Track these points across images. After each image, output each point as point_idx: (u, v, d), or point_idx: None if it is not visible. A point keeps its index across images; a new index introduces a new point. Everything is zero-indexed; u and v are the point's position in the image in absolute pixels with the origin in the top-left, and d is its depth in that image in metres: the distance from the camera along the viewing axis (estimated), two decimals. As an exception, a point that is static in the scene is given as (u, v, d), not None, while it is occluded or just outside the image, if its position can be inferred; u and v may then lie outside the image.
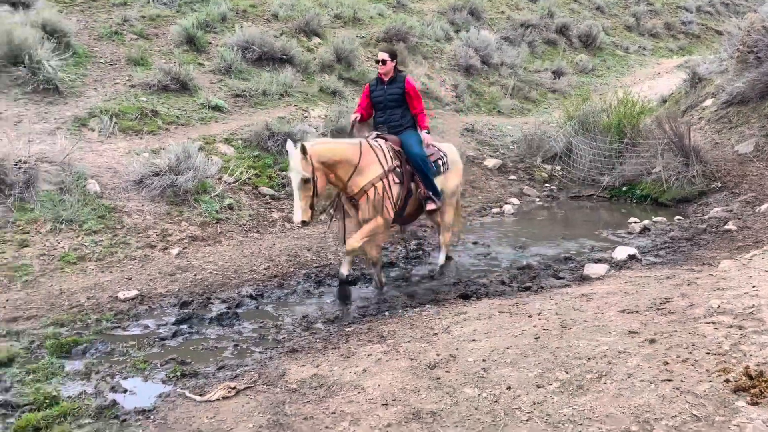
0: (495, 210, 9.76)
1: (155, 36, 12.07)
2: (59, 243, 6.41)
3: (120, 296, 5.63)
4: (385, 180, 5.65)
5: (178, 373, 4.13)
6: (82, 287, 5.79)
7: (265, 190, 8.58)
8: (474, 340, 4.30)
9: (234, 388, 3.72)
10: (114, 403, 3.69)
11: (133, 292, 5.72)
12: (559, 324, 4.35)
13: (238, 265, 6.69)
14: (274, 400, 3.59)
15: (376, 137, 6.03)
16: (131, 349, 4.60)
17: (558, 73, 17.55)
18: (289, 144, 5.30)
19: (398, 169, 5.87)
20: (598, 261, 6.64)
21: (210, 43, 12.40)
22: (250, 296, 5.85)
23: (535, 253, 7.36)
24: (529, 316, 4.66)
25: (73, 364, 4.33)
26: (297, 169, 5.14)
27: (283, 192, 8.63)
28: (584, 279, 6.05)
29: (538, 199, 10.64)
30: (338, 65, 13.25)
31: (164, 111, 9.69)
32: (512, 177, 11.30)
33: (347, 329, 4.93)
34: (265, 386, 3.80)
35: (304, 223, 5.29)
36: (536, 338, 4.13)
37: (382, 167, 5.68)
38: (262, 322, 5.25)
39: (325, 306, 5.71)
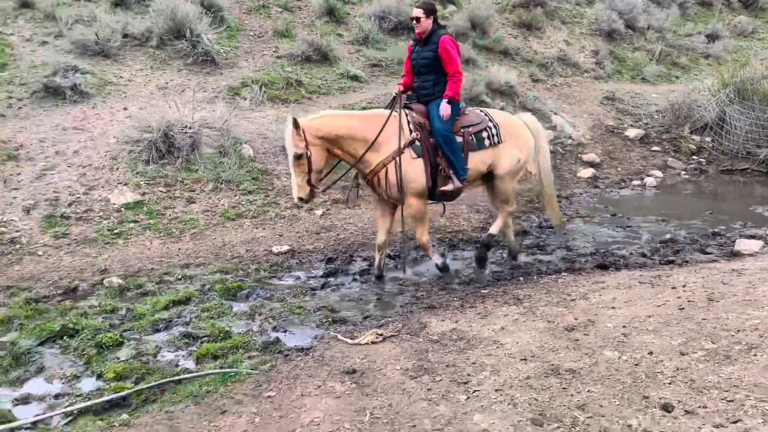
0: (635, 182, 9.38)
1: (298, 8, 12.68)
2: (220, 201, 7.12)
3: (274, 250, 6.20)
4: (398, 158, 5.11)
5: (330, 319, 4.56)
6: (240, 241, 6.43)
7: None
8: (613, 307, 4.30)
9: (381, 334, 4.05)
10: (277, 340, 4.17)
11: (285, 247, 6.26)
12: (706, 297, 4.23)
13: (375, 227, 7.05)
14: (417, 348, 3.86)
15: (403, 107, 5.38)
16: (287, 297, 5.10)
17: (712, 37, 16.14)
18: (288, 118, 4.91)
19: (417, 143, 5.21)
20: (751, 237, 6.24)
21: (348, 13, 12.82)
22: (388, 256, 6.16)
23: (679, 227, 7.04)
24: (673, 288, 4.56)
25: (239, 306, 4.91)
26: (288, 144, 4.90)
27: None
28: (734, 255, 5.75)
29: (683, 172, 10.05)
30: (472, 32, 13.13)
31: (307, 81, 10.26)
32: (655, 148, 10.74)
33: (483, 291, 5.10)
34: (408, 336, 4.09)
35: (301, 200, 5.02)
36: (680, 309, 4.06)
37: (399, 143, 5.12)
38: (400, 280, 5.56)
39: (459, 269, 5.88)
